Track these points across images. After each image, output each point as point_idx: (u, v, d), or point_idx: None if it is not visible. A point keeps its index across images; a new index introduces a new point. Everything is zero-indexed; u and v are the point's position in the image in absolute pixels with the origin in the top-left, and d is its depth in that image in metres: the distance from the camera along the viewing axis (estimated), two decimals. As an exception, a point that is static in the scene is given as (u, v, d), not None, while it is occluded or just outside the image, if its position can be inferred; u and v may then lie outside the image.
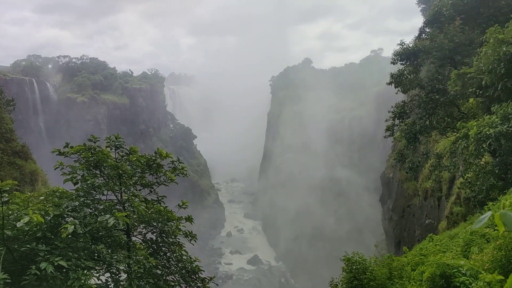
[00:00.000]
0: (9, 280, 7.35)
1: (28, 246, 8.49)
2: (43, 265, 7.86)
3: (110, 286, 9.91)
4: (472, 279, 7.53)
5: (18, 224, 8.04)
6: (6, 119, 32.90)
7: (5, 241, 8.23)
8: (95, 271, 10.17)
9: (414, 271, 11.65)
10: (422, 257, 12.28)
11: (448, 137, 25.05)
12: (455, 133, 19.34)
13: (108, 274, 10.47)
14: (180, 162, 12.18)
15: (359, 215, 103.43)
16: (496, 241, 7.51)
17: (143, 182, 11.40)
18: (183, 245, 12.08)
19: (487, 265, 6.61)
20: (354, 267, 11.42)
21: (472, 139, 14.91)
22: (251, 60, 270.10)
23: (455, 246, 12.35)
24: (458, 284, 8.42)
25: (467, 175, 16.96)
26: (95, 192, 10.34)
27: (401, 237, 44.87)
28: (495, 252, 7.27)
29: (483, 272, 6.49)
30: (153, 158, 11.35)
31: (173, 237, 11.77)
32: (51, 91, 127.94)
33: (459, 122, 18.74)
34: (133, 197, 10.43)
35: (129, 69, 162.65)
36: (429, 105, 24.95)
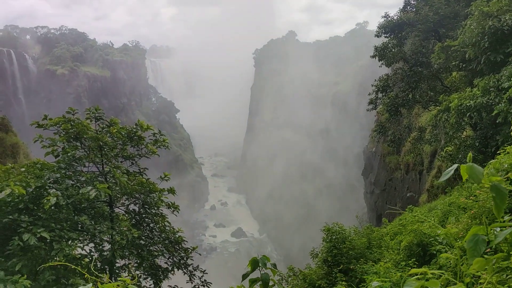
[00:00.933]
0: (-7, 249, 7.35)
1: (10, 217, 8.45)
2: (25, 236, 7.87)
3: (94, 256, 9.98)
4: (448, 247, 7.80)
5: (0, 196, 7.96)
6: (-18, 90, 31.98)
7: (-14, 212, 8.18)
8: (79, 242, 10.21)
9: (393, 241, 12.03)
10: (400, 227, 12.64)
11: (430, 111, 25.33)
12: (438, 107, 19.57)
13: (92, 245, 10.54)
14: (162, 135, 12.12)
15: (341, 189, 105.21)
16: (470, 211, 7.76)
17: (125, 154, 11.34)
18: (166, 216, 12.16)
19: (462, 233, 6.85)
20: (334, 237, 11.69)
21: (453, 112, 15.13)
22: (234, 32, 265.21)
23: (433, 216, 12.72)
24: (434, 252, 8.72)
25: (447, 148, 17.25)
26: (76, 164, 10.26)
27: (383, 210, 45.92)
28: (470, 221, 7.52)
29: (458, 240, 6.74)
30: (134, 130, 11.27)
31: (155, 208, 11.83)
32: (30, 63, 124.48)
33: (441, 96, 18.95)
34: (115, 169, 10.38)
35: (110, 41, 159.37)
36: (412, 79, 25.11)
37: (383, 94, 27.22)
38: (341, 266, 11.15)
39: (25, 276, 7.01)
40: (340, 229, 11.98)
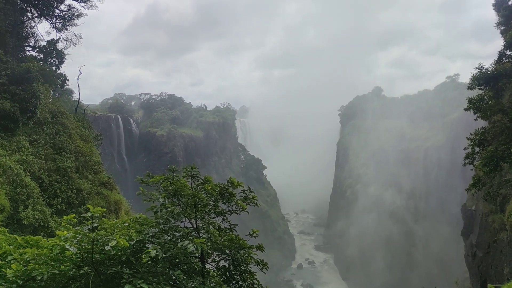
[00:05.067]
0: (99, 301, 7.99)
1: (114, 269, 9.15)
2: (127, 287, 8.41)
3: None
4: None
5: (106, 248, 8.72)
6: (94, 152, 35.95)
7: (94, 264, 8.97)
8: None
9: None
10: (510, 296, 11.33)
11: (537, 165, 23.07)
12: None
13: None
14: (251, 192, 12.52)
15: (439, 250, 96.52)
16: None
17: (217, 210, 11.87)
18: (254, 273, 12.23)
19: None
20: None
21: None
22: (320, 90, 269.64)
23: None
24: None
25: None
26: (173, 220, 10.95)
27: (487, 275, 41.13)
28: None
29: None
30: (226, 187, 11.84)
31: (245, 265, 11.98)
32: (133, 126, 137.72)
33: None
34: (208, 224, 10.90)
35: (203, 104, 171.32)
36: (513, 132, 23.33)
37: (480, 148, 25.49)
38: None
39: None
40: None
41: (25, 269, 8.42)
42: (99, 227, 10.33)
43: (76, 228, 9.36)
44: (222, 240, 11.55)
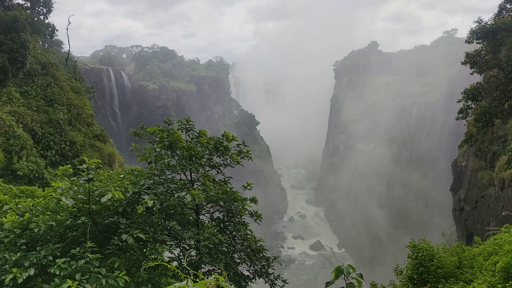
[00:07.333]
0: (96, 249, 8.15)
1: (110, 219, 9.29)
2: (124, 236, 8.56)
3: (187, 253, 10.50)
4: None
5: (102, 200, 8.79)
6: (87, 105, 35.57)
7: (91, 214, 9.08)
8: (168, 246, 10.92)
9: (487, 261, 11.17)
10: (496, 247, 11.72)
11: (529, 122, 23.22)
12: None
13: (178, 250, 11.17)
14: (245, 146, 12.56)
15: (427, 205, 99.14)
16: None
17: (211, 163, 11.93)
18: (248, 224, 12.52)
19: None
20: (420, 254, 11.16)
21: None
22: (315, 44, 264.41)
23: (533, 237, 11.62)
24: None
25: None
26: (168, 172, 11.00)
27: (474, 229, 42.57)
28: None
29: None
30: (221, 141, 11.84)
31: (238, 216, 12.23)
32: (125, 79, 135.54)
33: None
34: (204, 177, 10.98)
35: (196, 57, 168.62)
36: (509, 87, 23.23)
37: (474, 102, 25.46)
38: (428, 285, 10.60)
39: (124, 272, 7.67)
40: (427, 246, 11.42)
41: (22, 219, 8.51)
42: (94, 178, 10.40)
43: (72, 179, 9.40)
44: (217, 192, 11.70)
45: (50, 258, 7.80)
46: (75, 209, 9.14)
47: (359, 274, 4.17)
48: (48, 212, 9.01)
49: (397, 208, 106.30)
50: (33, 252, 7.89)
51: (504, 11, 27.47)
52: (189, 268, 9.14)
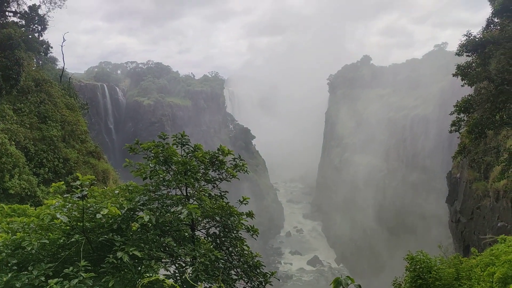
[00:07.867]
0: (90, 267, 8.00)
1: (105, 237, 9.15)
2: (119, 254, 8.39)
3: (185, 270, 10.35)
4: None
5: (98, 216, 8.68)
6: (81, 121, 35.46)
7: (85, 232, 8.94)
8: (163, 264, 10.76)
9: (484, 272, 11.12)
10: (492, 258, 11.68)
11: (522, 133, 23.42)
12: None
13: (173, 267, 11.00)
14: (241, 160, 12.52)
15: (424, 216, 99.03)
16: None
17: (207, 178, 11.87)
18: (244, 239, 12.39)
19: None
20: (418, 266, 11.11)
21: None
22: (309, 59, 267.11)
23: (530, 247, 11.60)
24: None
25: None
26: (163, 187, 10.93)
27: (471, 241, 42.47)
28: None
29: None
30: (216, 155, 11.80)
31: (235, 231, 12.11)
32: (120, 95, 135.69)
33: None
34: (200, 192, 10.91)
35: (191, 72, 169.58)
36: (499, 98, 23.48)
37: (466, 114, 25.71)
38: (427, 298, 10.53)
39: (119, 291, 7.54)
40: (425, 258, 11.37)
41: (14, 238, 8.37)
42: (88, 195, 10.27)
43: (65, 196, 9.29)
44: (213, 207, 11.61)
45: (42, 278, 7.64)
46: (68, 227, 9.02)
47: (357, 285, 4.15)
48: (41, 231, 8.88)
49: (394, 220, 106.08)
50: (25, 272, 7.72)
51: (492, 25, 27.95)
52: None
